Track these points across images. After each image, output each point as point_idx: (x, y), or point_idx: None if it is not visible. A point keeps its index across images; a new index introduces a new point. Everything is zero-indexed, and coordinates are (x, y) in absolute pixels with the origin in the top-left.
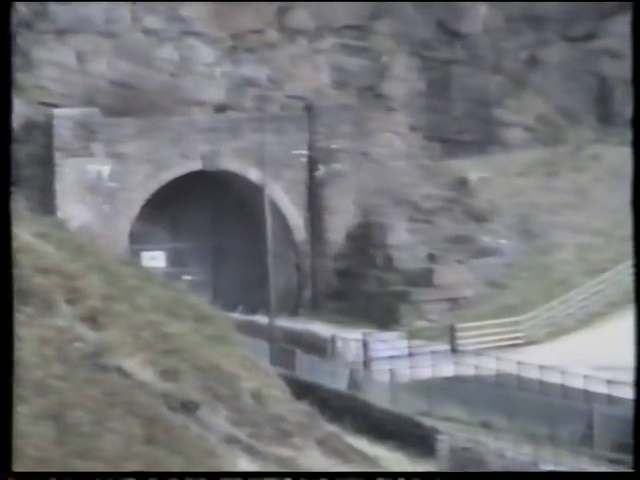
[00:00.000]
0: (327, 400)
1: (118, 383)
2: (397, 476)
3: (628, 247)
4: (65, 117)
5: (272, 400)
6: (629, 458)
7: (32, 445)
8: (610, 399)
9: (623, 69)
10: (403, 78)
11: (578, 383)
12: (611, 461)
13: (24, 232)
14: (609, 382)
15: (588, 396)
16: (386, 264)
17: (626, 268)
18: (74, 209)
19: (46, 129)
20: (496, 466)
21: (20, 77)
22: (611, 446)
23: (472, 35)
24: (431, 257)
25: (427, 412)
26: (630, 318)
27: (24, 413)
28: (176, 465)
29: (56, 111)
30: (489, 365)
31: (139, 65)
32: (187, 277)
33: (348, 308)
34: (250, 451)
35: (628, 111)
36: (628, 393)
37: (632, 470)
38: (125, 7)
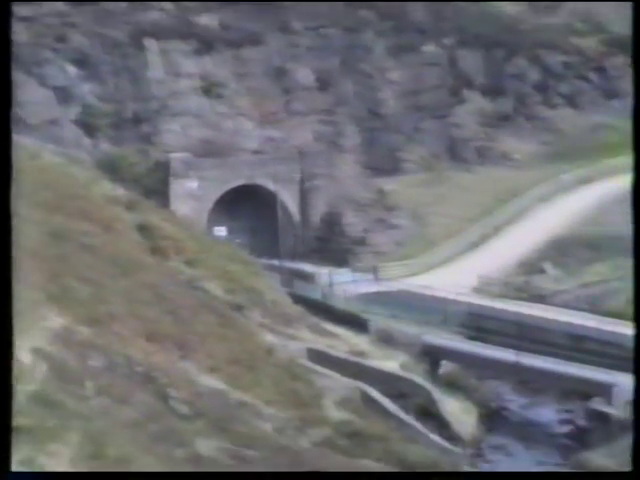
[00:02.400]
0: (311, 304)
1: (203, 296)
2: (398, 476)
3: (469, 223)
4: (175, 158)
5: (282, 304)
6: (465, 331)
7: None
8: (456, 302)
9: (464, 133)
10: (351, 137)
11: (441, 294)
12: (456, 332)
13: (155, 218)
14: (457, 294)
15: (445, 301)
16: (341, 234)
17: (469, 232)
18: (179, 206)
19: (166, 164)
20: (398, 337)
21: (155, 139)
22: (456, 326)
23: (389, 115)
24: (365, 230)
25: (363, 310)
26: (475, 258)
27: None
28: (234, 336)
29: (172, 155)
30: (395, 286)
31: (214, 130)
32: (237, 241)
33: (322, 257)
34: (272, 331)
35: (467, 153)
36: (467, 298)
37: (631, 470)
38: (206, 101)
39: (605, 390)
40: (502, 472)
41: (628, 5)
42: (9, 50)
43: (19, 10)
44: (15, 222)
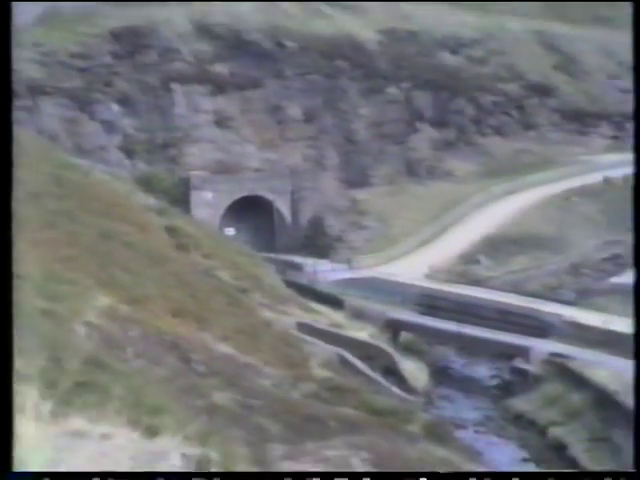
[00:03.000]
0: (299, 288)
1: (216, 281)
2: (398, 476)
3: (422, 224)
4: (195, 175)
5: (277, 287)
6: (419, 308)
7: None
8: (412, 286)
9: (418, 155)
10: (331, 158)
11: (400, 280)
12: (412, 309)
13: (179, 222)
14: (413, 279)
15: (404, 285)
16: (323, 233)
17: (422, 232)
18: (198, 212)
19: (187, 180)
20: (367, 312)
21: (179, 160)
22: (412, 304)
23: (360, 141)
24: (341, 230)
25: (340, 292)
26: (427, 252)
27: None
28: (240, 313)
29: (192, 172)
30: (365, 273)
31: (225, 154)
32: (243, 239)
33: (308, 251)
34: (269, 308)
35: (420, 171)
36: (420, 282)
37: (633, 470)
38: (219, 131)
39: (524, 352)
40: (502, 472)
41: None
42: (9, 50)
43: (77, 63)
44: (74, 226)
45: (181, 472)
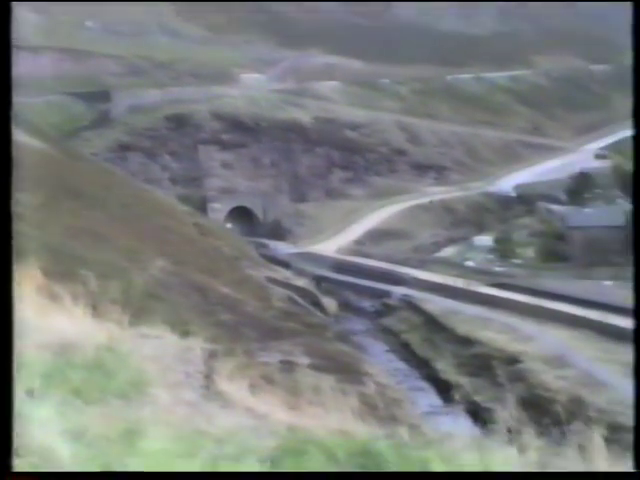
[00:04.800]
0: (267, 257)
1: (221, 253)
2: (397, 476)
3: (337, 224)
4: (210, 194)
5: (255, 257)
6: (333, 269)
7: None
8: (329, 257)
9: (333, 185)
10: (285, 187)
11: (323, 253)
12: (329, 270)
13: (202, 220)
14: (330, 253)
15: (324, 257)
16: (280, 228)
17: (336, 228)
18: (211, 214)
19: (205, 197)
20: (304, 271)
21: (203, 187)
22: (328, 267)
23: (301, 177)
24: (290, 226)
25: (289, 260)
26: (338, 239)
27: None
28: (235, 271)
29: (208, 193)
30: (304, 250)
31: (225, 183)
32: (236, 230)
33: (272, 237)
34: (251, 269)
35: (334, 193)
36: (334, 255)
37: (633, 470)
38: (223, 171)
39: (388, 294)
40: (502, 472)
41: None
42: (9, 50)
43: (148, 133)
44: (144, 223)
45: (181, 472)
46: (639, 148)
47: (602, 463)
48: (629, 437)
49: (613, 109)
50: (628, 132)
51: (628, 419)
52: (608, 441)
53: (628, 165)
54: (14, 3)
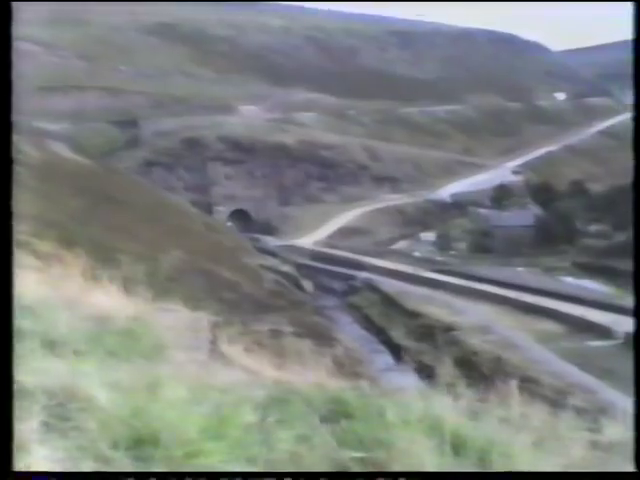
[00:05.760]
0: (259, 249)
1: (224, 245)
2: (397, 476)
3: (317, 223)
4: (215, 200)
5: (249, 248)
6: (311, 259)
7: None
8: (308, 249)
9: (312, 193)
10: (273, 194)
11: (303, 246)
12: (308, 259)
13: (210, 220)
14: (308, 245)
15: (304, 249)
16: (269, 225)
17: (316, 227)
18: (216, 216)
19: (212, 202)
20: (289, 260)
21: (210, 194)
22: (308, 258)
23: (286, 188)
24: (277, 224)
25: (276, 251)
26: (315, 235)
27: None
28: (235, 258)
29: (214, 199)
30: (288, 243)
31: (228, 190)
32: (236, 228)
33: (262, 232)
34: (247, 257)
35: (311, 199)
36: (312, 247)
37: (635, 470)
38: (226, 181)
39: (353, 277)
40: (502, 472)
41: None
42: (9, 50)
43: (167, 152)
44: (164, 225)
45: (181, 472)
46: (639, 146)
47: (516, 407)
48: (536, 387)
49: (524, 136)
50: (536, 153)
51: (536, 373)
52: (521, 389)
53: (535, 179)
54: (14, 3)
